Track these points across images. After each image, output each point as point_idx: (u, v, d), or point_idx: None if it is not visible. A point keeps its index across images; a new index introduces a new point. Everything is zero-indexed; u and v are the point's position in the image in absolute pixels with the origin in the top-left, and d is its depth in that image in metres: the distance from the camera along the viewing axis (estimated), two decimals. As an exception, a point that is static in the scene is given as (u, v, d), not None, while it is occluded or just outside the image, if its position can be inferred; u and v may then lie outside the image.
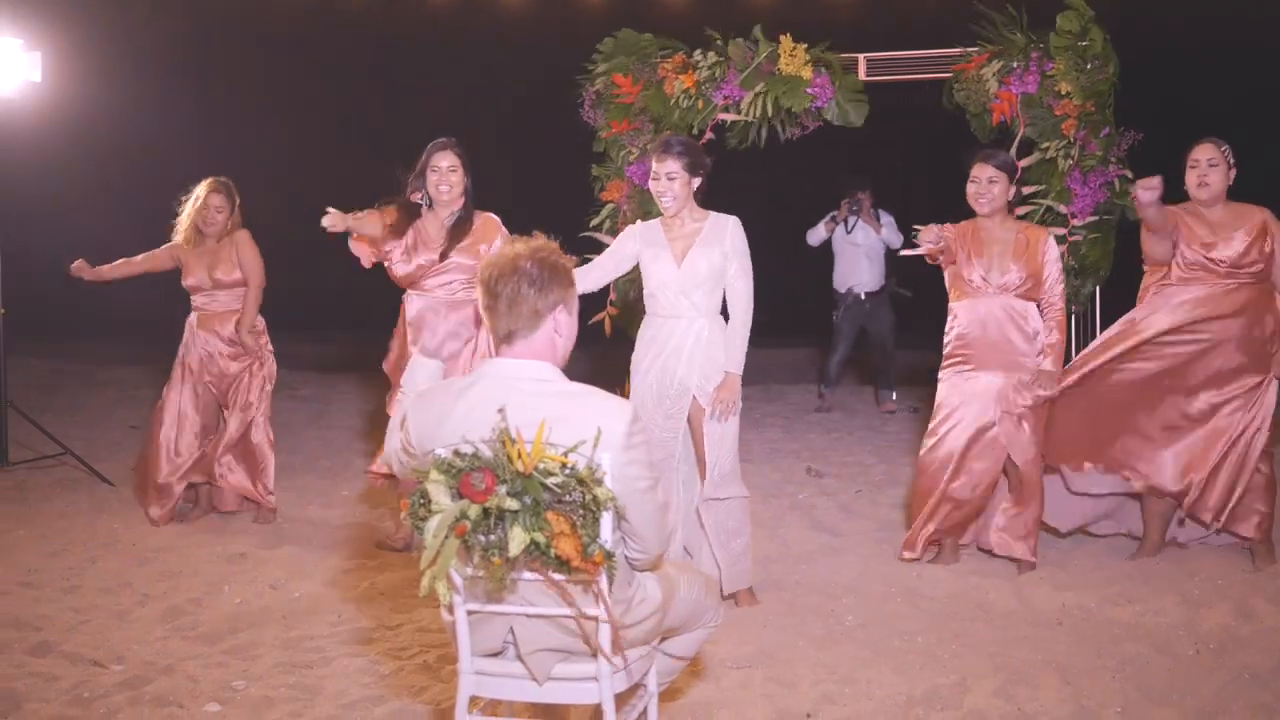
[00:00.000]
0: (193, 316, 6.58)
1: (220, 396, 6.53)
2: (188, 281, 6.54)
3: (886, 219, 9.62)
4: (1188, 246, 5.43)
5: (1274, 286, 5.47)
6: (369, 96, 14.53)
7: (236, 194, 6.57)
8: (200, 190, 6.49)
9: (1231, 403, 5.45)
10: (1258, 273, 5.41)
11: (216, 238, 6.50)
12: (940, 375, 5.63)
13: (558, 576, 2.91)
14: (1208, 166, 5.43)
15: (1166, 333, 5.46)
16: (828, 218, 9.69)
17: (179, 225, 6.54)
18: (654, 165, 4.99)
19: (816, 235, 9.75)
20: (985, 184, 5.43)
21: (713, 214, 5.06)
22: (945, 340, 5.63)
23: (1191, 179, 5.47)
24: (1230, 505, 5.42)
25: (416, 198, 5.82)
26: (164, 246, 6.58)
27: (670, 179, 4.94)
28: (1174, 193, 5.46)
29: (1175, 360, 5.47)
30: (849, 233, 9.64)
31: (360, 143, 14.15)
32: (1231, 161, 5.45)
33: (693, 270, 4.97)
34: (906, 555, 5.61)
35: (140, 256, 6.59)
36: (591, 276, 5.12)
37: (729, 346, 4.99)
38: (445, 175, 5.76)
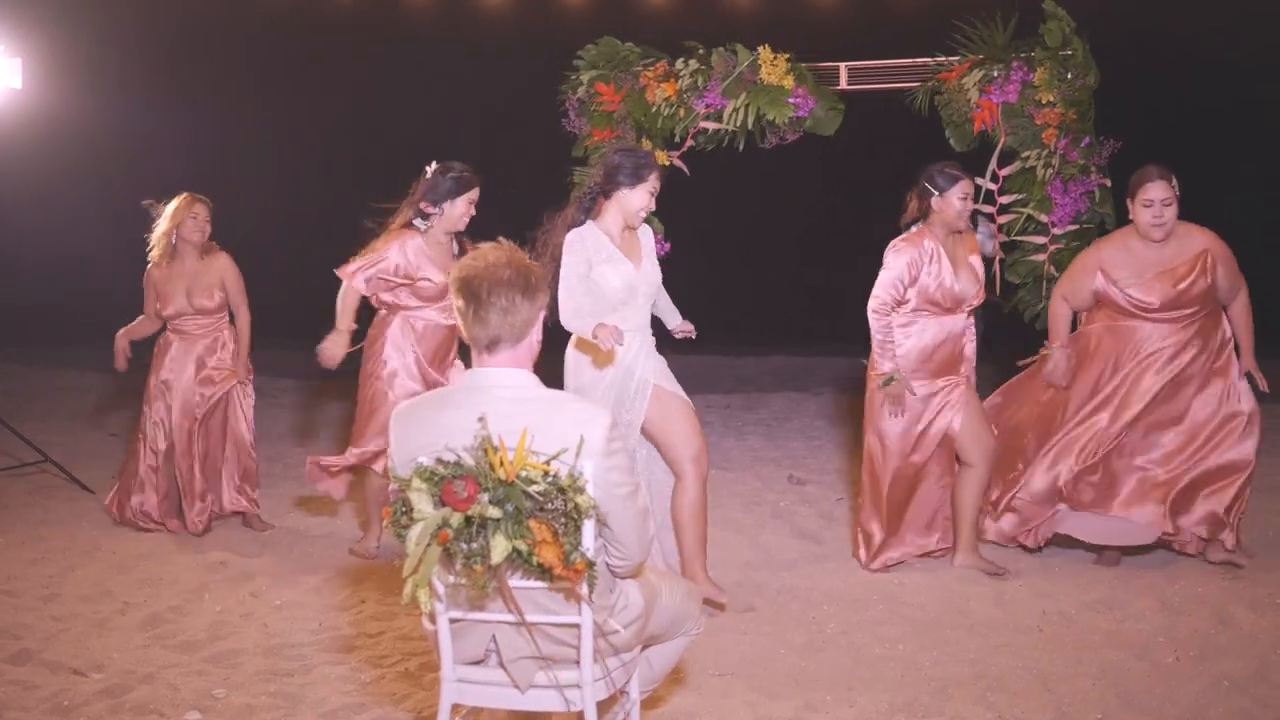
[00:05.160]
0: (171, 338, 6.39)
1: (206, 419, 6.36)
2: (167, 311, 6.32)
3: (985, 229, 9.44)
4: (1120, 291, 5.40)
5: (1222, 307, 5.45)
6: (353, 101, 14.48)
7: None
8: (180, 204, 6.28)
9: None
10: (1203, 302, 5.35)
11: (198, 255, 6.34)
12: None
13: (540, 584, 2.92)
14: (1162, 206, 5.26)
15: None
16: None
17: (153, 244, 6.32)
18: (655, 183, 5.01)
19: None
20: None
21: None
22: (901, 351, 5.61)
23: (1146, 217, 5.29)
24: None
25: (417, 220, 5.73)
26: (145, 312, 6.40)
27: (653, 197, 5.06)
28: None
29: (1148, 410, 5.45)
30: None
31: (344, 149, 14.11)
32: (1178, 192, 5.30)
33: (648, 277, 5.06)
34: (874, 566, 5.63)
35: (139, 321, 6.42)
36: (587, 309, 5.08)
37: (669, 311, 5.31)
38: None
